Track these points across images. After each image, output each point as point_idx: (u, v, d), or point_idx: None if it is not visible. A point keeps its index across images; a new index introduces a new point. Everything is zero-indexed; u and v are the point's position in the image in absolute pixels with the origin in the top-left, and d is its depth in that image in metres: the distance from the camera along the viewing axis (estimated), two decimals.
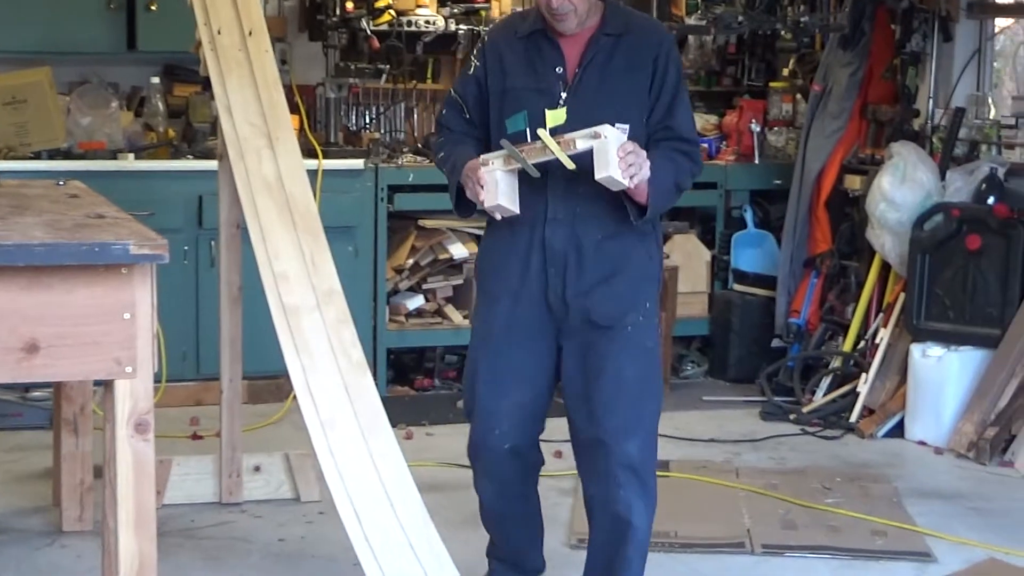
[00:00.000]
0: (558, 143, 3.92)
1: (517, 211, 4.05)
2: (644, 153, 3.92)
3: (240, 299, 5.25)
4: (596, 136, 3.87)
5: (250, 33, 5.21)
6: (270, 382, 6.92)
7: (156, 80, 7.32)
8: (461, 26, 7.93)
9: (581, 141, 3.90)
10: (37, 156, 6.80)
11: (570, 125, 3.99)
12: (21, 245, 3.41)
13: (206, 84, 7.38)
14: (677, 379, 7.73)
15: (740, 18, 7.12)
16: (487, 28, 7.88)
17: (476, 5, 8.00)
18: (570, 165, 3.91)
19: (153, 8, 7.14)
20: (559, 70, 4.12)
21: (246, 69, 5.13)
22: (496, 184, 4.01)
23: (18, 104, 6.87)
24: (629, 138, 3.95)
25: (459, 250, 7.31)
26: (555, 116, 4.06)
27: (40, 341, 3.46)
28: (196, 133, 7.17)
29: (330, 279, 4.66)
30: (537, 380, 4.20)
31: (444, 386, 7.49)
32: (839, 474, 6.11)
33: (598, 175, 3.86)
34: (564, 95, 4.09)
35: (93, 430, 4.87)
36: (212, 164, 6.82)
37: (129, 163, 6.88)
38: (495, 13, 8.04)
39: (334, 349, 4.53)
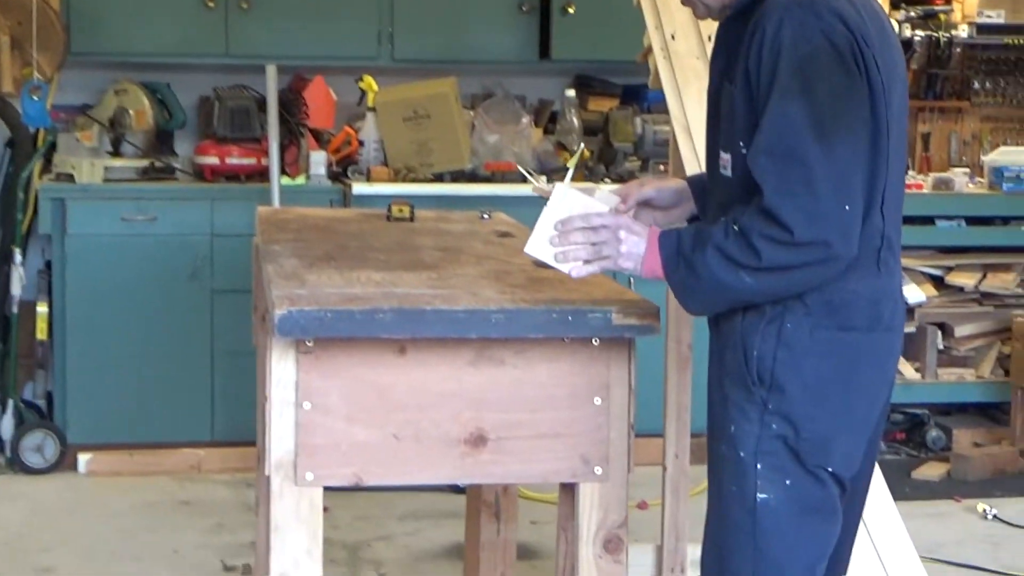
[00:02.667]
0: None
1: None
2: (610, 228, 2.70)
3: (690, 359, 4.33)
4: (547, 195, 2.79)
5: (709, 38, 4.34)
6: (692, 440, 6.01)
7: (572, 93, 6.47)
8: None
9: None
10: (439, 178, 6.06)
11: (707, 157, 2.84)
12: (473, 312, 2.65)
13: (625, 97, 6.62)
14: None
15: None
16: None
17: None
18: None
19: (570, 11, 6.34)
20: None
21: (706, 82, 4.25)
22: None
23: (420, 119, 6.10)
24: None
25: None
26: (574, 160, 3.05)
27: (488, 431, 2.77)
28: (616, 154, 6.30)
29: None
30: None
31: None
32: None
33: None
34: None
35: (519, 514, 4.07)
36: None
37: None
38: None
39: None
